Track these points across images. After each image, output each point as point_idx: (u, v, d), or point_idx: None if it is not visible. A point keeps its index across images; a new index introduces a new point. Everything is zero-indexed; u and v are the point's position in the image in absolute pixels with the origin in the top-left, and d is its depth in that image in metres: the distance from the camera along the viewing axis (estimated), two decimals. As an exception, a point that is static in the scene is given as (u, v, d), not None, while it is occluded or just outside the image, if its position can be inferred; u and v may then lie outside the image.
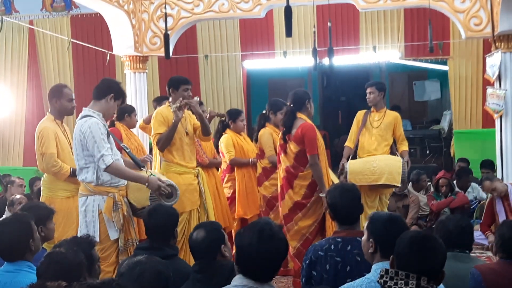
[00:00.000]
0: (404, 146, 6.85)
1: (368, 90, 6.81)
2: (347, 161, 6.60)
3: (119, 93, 4.77)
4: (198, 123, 5.81)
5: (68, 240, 3.51)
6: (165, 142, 5.56)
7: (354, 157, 6.77)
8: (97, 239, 4.53)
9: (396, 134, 6.83)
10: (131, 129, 6.67)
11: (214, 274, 2.99)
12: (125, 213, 4.62)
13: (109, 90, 4.70)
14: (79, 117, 4.65)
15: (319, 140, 5.71)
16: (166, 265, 2.71)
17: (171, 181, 4.91)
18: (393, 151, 6.82)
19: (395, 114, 6.94)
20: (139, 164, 5.04)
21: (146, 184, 4.62)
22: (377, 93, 6.78)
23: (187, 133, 5.69)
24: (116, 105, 4.80)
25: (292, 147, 5.69)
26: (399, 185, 6.62)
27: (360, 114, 6.95)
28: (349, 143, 6.85)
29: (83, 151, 4.57)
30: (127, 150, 5.15)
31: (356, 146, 6.85)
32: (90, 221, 4.59)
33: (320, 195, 5.61)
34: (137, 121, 6.77)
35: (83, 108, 4.71)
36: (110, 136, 4.71)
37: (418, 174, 8.69)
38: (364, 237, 3.19)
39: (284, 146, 5.79)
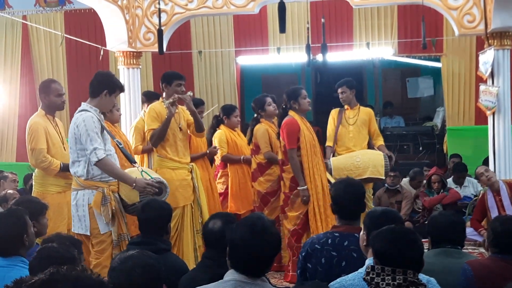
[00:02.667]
0: (380, 141, 7.00)
1: (339, 90, 6.91)
2: (329, 159, 6.69)
3: (113, 87, 4.78)
4: (191, 119, 5.82)
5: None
6: (158, 138, 5.57)
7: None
8: (88, 232, 4.61)
9: (371, 129, 6.96)
10: (115, 124, 6.62)
11: (224, 263, 3.00)
12: (113, 208, 4.62)
13: (102, 86, 4.72)
14: (77, 111, 4.69)
15: (304, 135, 5.89)
16: (158, 260, 2.71)
17: (161, 178, 4.92)
18: (370, 146, 6.92)
19: (369, 110, 7.09)
20: (131, 160, 5.05)
21: (133, 185, 4.64)
22: (348, 92, 6.89)
23: (180, 129, 5.70)
24: (113, 99, 4.84)
25: (282, 142, 6.03)
26: (383, 178, 6.78)
27: (334, 112, 7.05)
28: (329, 143, 6.92)
29: (76, 144, 4.59)
30: (120, 146, 5.15)
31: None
32: (82, 215, 4.64)
33: (298, 188, 5.88)
34: (120, 115, 6.71)
35: (82, 103, 4.74)
36: (105, 132, 4.72)
37: (415, 173, 8.73)
38: (362, 231, 3.23)
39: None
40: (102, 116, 4.79)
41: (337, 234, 3.63)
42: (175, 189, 5.44)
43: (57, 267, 1.74)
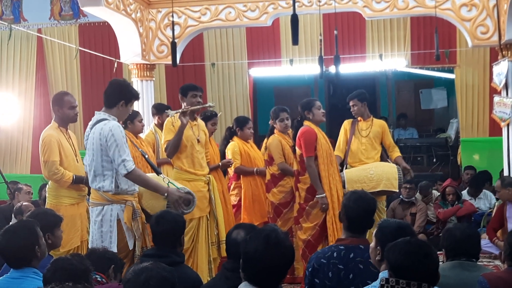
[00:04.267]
0: (396, 153, 6.93)
1: (351, 103, 6.87)
2: (342, 171, 6.62)
3: (130, 97, 4.59)
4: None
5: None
6: (172, 148, 5.55)
7: (342, 166, 6.81)
8: (115, 249, 4.39)
9: (386, 142, 6.89)
10: (138, 135, 6.63)
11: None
12: (144, 221, 4.55)
13: (119, 97, 4.54)
14: (94, 121, 4.51)
15: (321, 143, 5.85)
16: (172, 272, 2.71)
17: (187, 188, 4.84)
18: (383, 158, 6.86)
19: (382, 122, 7.03)
20: (157, 171, 4.97)
21: (165, 194, 4.53)
22: (360, 105, 6.83)
23: (198, 141, 5.70)
24: (129, 108, 4.65)
25: (297, 151, 5.96)
26: (397, 191, 6.72)
27: (347, 123, 7.00)
28: (338, 152, 6.83)
29: (102, 156, 4.40)
30: (145, 156, 5.10)
31: (345, 155, 6.89)
32: (107, 231, 4.44)
33: (316, 196, 5.81)
34: (142, 126, 6.72)
35: (96, 112, 4.58)
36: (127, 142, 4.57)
37: (421, 187, 8.67)
38: (372, 244, 3.20)
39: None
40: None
41: (342, 247, 3.61)
42: None
43: (62, 285, 1.74)
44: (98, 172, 4.47)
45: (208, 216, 5.68)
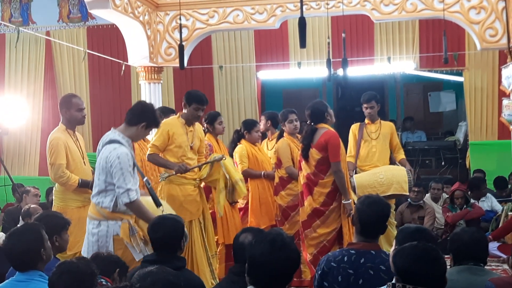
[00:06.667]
0: (401, 155, 6.90)
1: (368, 105, 6.81)
2: (352, 176, 6.54)
3: (151, 122, 4.60)
4: (203, 147, 5.94)
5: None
6: (153, 163, 5.74)
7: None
8: None
9: (393, 143, 6.87)
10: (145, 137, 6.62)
11: None
12: (142, 237, 4.51)
13: (142, 118, 4.52)
14: (107, 140, 4.46)
15: (341, 148, 5.75)
16: (178, 276, 2.70)
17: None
18: (392, 161, 6.83)
19: (390, 124, 7.03)
20: (157, 202, 4.91)
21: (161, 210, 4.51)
22: (376, 107, 6.81)
23: (191, 147, 5.68)
24: (147, 132, 4.67)
25: (314, 154, 5.75)
26: (408, 194, 6.67)
27: (355, 127, 6.95)
28: (350, 158, 6.78)
29: (107, 177, 4.39)
30: (148, 186, 5.04)
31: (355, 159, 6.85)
32: (103, 246, 4.44)
33: (343, 202, 5.67)
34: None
35: (112, 129, 4.54)
36: (135, 168, 4.53)
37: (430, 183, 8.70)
38: (393, 246, 3.23)
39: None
40: (131, 146, 4.59)
41: (353, 252, 3.60)
42: (180, 205, 5.44)
43: None
44: (101, 189, 4.46)
45: (200, 219, 5.67)
